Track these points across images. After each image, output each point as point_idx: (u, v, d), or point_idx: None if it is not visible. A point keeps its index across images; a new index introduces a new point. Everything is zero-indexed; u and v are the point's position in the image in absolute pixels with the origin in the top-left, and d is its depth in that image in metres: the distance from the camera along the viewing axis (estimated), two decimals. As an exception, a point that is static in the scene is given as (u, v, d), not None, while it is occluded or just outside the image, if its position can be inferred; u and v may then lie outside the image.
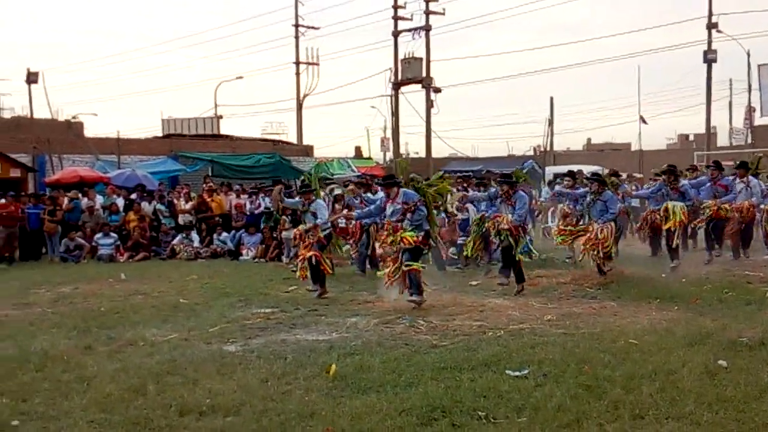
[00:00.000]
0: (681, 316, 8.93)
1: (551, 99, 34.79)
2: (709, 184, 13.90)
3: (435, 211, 11.33)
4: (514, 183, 11.79)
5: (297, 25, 39.61)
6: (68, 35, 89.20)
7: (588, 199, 12.33)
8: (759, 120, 38.06)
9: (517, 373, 6.41)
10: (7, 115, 41.18)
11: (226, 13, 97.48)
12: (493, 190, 12.32)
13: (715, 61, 33.43)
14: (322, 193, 13.02)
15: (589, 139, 57.69)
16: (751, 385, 5.92)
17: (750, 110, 38.75)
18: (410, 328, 8.65)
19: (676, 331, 7.91)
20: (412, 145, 45.46)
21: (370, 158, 39.52)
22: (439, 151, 38.27)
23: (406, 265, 9.91)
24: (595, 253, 11.65)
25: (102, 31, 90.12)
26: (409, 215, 10.02)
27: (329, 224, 11.67)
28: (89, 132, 35.93)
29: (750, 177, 13.84)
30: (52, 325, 9.29)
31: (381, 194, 12.06)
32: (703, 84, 33.95)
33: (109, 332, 8.69)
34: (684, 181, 13.57)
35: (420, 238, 10.00)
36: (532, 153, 39.68)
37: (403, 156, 40.07)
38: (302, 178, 17.83)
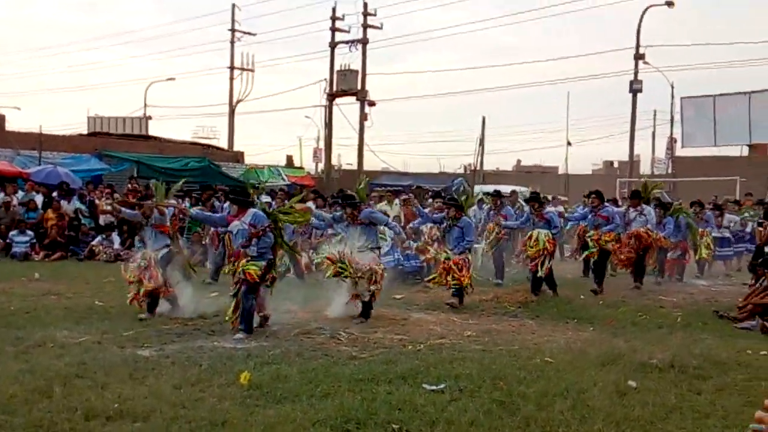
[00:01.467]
0: (596, 336, 9.15)
1: (483, 119, 35.32)
2: (590, 214, 13.71)
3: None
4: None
5: (233, 30, 39.26)
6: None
7: (444, 224, 11.79)
8: (680, 151, 39.50)
9: (433, 387, 6.43)
10: None
11: (161, 11, 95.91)
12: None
13: (640, 91, 34.56)
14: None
15: (519, 161, 58.77)
16: (658, 405, 6.08)
17: (672, 141, 40.22)
18: (331, 339, 8.60)
19: (590, 351, 8.08)
20: (345, 157, 45.33)
21: (301, 168, 39.28)
22: (371, 164, 38.35)
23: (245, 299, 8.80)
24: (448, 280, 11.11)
25: (31, 23, 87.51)
26: (255, 240, 8.85)
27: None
28: (11, 126, 34.70)
29: (644, 205, 13.91)
30: (-43, 323, 8.89)
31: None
32: (629, 113, 35.08)
33: (17, 332, 8.36)
34: (550, 208, 13.75)
35: (261, 272, 8.82)
36: (462, 171, 40.12)
37: (335, 168, 40.06)
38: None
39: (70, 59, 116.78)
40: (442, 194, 16.00)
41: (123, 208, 10.92)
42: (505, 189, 19.23)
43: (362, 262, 9.85)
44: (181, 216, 11.79)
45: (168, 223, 10.23)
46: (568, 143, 41.70)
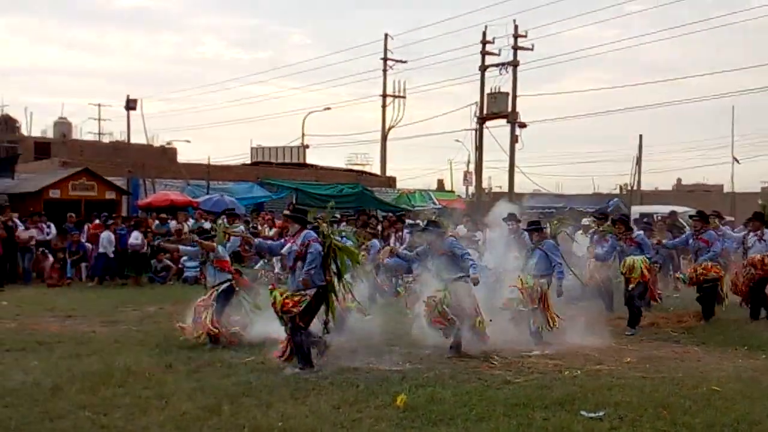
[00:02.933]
0: (768, 365, 8.57)
1: (640, 137, 34.03)
2: (692, 238, 12.37)
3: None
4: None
5: (385, 59, 40.17)
6: (166, 64, 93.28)
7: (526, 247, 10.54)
8: None
9: (592, 415, 6.27)
10: (106, 139, 43.20)
11: (318, 45, 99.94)
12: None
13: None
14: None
15: (679, 179, 56.10)
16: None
17: None
18: (484, 362, 8.57)
19: (762, 380, 7.59)
20: (496, 180, 45.09)
21: (452, 191, 39.46)
22: (522, 186, 37.85)
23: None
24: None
25: (200, 61, 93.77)
26: (300, 264, 8.02)
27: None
28: (182, 158, 37.25)
29: (766, 229, 12.18)
30: (136, 343, 9.65)
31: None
32: (803, 125, 32.67)
33: (189, 352, 8.94)
34: (638, 232, 12.11)
35: (306, 301, 7.93)
36: (618, 191, 38.81)
37: (486, 191, 39.91)
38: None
39: (235, 93, 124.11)
40: (602, 215, 14.71)
41: (181, 246, 11.18)
42: (664, 209, 18.41)
43: (461, 305, 8.95)
44: (246, 246, 11.86)
45: (227, 258, 9.96)
46: (735, 160, 39.35)
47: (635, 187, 34.80)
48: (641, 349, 9.57)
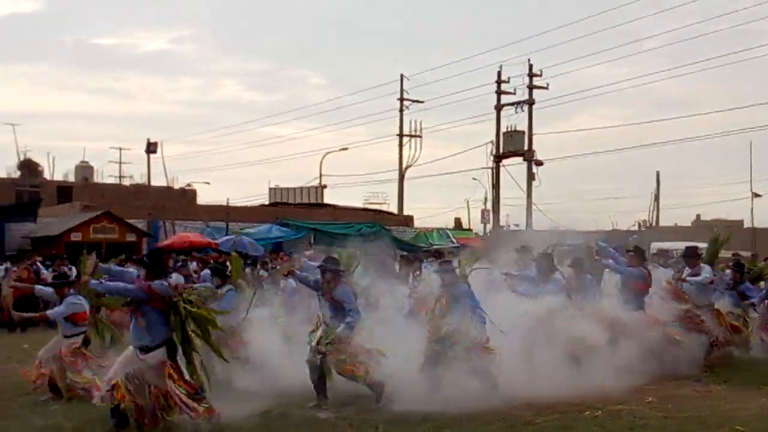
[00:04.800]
0: (794, 403, 8.45)
1: (657, 173, 34.10)
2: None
3: None
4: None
5: (402, 99, 40.58)
6: (185, 108, 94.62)
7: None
8: None
9: (613, 455, 6.21)
10: (127, 182, 43.77)
11: (334, 86, 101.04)
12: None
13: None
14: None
15: (698, 215, 55.77)
16: None
17: None
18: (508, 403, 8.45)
19: (787, 420, 7.49)
20: (513, 217, 44.96)
21: (470, 230, 39.45)
22: (540, 223, 37.79)
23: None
24: None
25: (217, 104, 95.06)
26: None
27: None
28: (201, 199, 37.67)
29: None
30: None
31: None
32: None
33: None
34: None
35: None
36: (636, 227, 38.64)
37: (504, 228, 39.83)
38: None
39: (253, 135, 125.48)
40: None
41: (37, 287, 10.61)
42: (681, 245, 18.21)
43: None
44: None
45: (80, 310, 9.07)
46: (755, 195, 39.12)
47: (654, 224, 34.66)
48: (662, 389, 9.44)
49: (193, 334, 7.23)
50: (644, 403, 8.53)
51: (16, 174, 39.12)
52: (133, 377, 7.00)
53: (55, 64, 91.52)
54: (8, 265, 18.63)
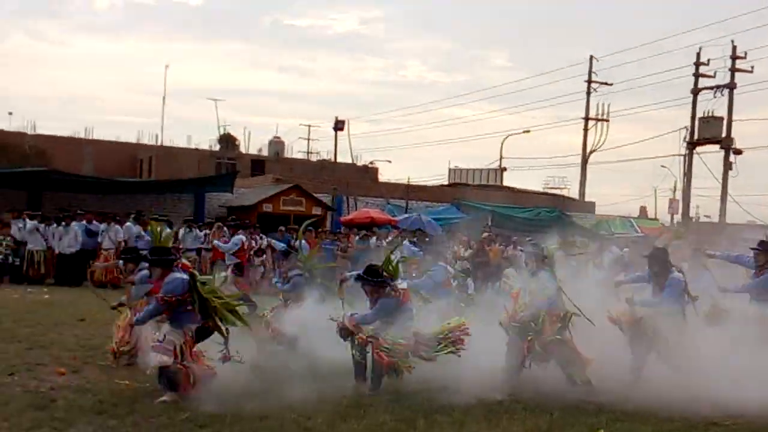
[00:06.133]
0: None
1: None
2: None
3: None
4: None
5: (589, 81, 39.31)
6: (371, 87, 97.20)
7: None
8: None
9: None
10: (314, 158, 45.69)
11: (518, 68, 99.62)
12: None
13: None
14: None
15: None
16: None
17: None
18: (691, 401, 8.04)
19: None
20: (704, 209, 42.39)
21: (656, 219, 37.70)
22: (734, 216, 35.31)
23: None
24: None
25: (402, 84, 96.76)
26: None
27: None
28: (382, 177, 38.60)
29: None
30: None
31: None
32: None
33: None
34: None
35: None
36: None
37: (693, 220, 37.66)
38: None
39: (435, 116, 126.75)
40: None
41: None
42: None
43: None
44: None
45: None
46: None
47: None
48: None
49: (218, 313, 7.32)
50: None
51: (216, 147, 41.96)
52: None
53: (255, 44, 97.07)
54: (207, 230, 20.18)
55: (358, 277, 8.31)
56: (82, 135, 42.42)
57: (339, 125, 32.31)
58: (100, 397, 7.07)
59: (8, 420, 6.17)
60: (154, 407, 6.80)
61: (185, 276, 7.36)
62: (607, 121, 39.14)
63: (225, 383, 7.55)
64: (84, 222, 18.85)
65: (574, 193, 40.23)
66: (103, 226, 19.00)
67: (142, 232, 18.28)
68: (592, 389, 8.13)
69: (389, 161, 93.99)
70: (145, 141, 42.93)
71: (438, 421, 6.73)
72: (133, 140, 43.16)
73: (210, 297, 7.31)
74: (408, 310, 8.20)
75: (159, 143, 41.85)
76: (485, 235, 20.54)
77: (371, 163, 43.58)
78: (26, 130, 41.15)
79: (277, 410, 6.82)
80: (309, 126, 49.03)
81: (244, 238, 17.36)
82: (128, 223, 19.30)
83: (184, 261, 8.55)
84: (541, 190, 41.99)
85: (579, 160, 39.66)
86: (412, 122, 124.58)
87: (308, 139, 49.03)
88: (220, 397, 7.07)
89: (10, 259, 17.75)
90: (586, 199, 37.96)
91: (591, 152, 39.43)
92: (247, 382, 7.74)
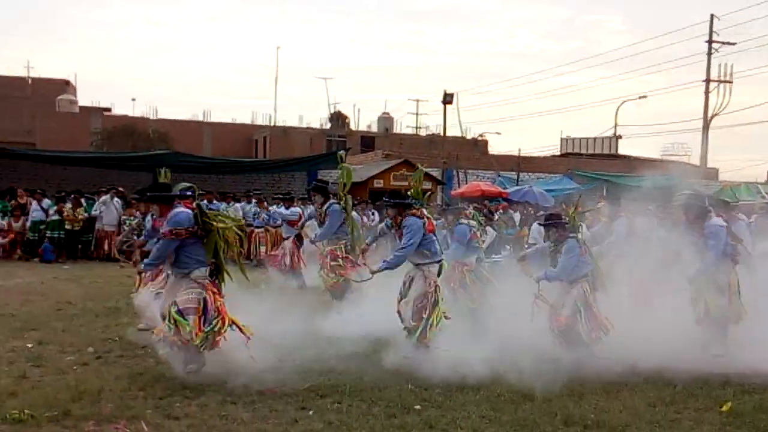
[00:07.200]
0: None
1: None
2: None
3: None
4: None
5: (710, 41, 37.36)
6: (479, 58, 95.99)
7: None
8: None
9: None
10: (423, 133, 45.73)
11: (631, 32, 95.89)
12: None
13: None
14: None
15: None
16: None
17: None
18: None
19: None
20: (839, 174, 39.70)
21: (785, 184, 35.63)
22: None
23: None
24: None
25: (510, 53, 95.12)
26: None
27: None
28: (492, 150, 38.22)
29: None
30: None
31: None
32: None
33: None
34: None
35: None
36: None
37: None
38: None
39: (545, 85, 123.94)
40: None
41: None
42: None
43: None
44: None
45: None
46: None
47: None
48: None
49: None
50: None
51: (327, 125, 42.67)
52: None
53: (357, 19, 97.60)
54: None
55: (384, 201, 8.65)
56: (200, 118, 44.09)
57: (448, 98, 31.97)
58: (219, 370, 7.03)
59: (144, 389, 6.54)
60: (269, 377, 6.81)
61: (189, 210, 6.96)
62: (731, 82, 37.13)
63: (344, 354, 7.78)
64: (205, 201, 19.64)
65: (694, 159, 38.56)
66: (222, 205, 19.75)
67: (259, 210, 18.89)
68: (721, 361, 7.84)
69: (499, 133, 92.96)
70: (260, 122, 44.23)
71: (557, 393, 6.67)
72: (248, 121, 44.52)
73: (218, 226, 6.87)
74: (432, 240, 8.26)
75: (273, 124, 42.98)
76: (600, 205, 20.00)
77: (481, 135, 43.24)
78: (149, 115, 43.11)
79: (395, 380, 6.95)
80: (417, 101, 49.14)
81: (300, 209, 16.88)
82: (242, 203, 20.00)
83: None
84: (659, 157, 40.46)
85: (700, 125, 37.90)
86: (521, 93, 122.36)
87: (417, 114, 49.13)
88: (339, 369, 7.28)
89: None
90: (709, 165, 36.32)
91: (713, 116, 37.57)
92: (366, 353, 7.94)
